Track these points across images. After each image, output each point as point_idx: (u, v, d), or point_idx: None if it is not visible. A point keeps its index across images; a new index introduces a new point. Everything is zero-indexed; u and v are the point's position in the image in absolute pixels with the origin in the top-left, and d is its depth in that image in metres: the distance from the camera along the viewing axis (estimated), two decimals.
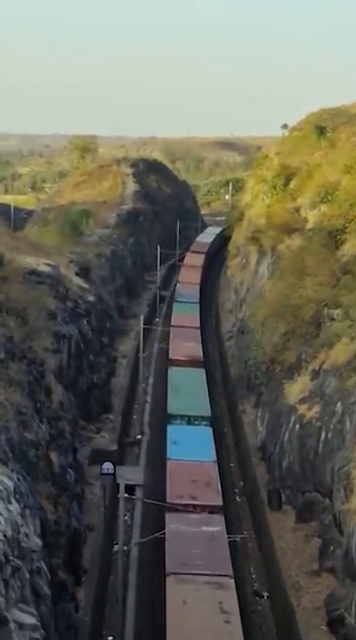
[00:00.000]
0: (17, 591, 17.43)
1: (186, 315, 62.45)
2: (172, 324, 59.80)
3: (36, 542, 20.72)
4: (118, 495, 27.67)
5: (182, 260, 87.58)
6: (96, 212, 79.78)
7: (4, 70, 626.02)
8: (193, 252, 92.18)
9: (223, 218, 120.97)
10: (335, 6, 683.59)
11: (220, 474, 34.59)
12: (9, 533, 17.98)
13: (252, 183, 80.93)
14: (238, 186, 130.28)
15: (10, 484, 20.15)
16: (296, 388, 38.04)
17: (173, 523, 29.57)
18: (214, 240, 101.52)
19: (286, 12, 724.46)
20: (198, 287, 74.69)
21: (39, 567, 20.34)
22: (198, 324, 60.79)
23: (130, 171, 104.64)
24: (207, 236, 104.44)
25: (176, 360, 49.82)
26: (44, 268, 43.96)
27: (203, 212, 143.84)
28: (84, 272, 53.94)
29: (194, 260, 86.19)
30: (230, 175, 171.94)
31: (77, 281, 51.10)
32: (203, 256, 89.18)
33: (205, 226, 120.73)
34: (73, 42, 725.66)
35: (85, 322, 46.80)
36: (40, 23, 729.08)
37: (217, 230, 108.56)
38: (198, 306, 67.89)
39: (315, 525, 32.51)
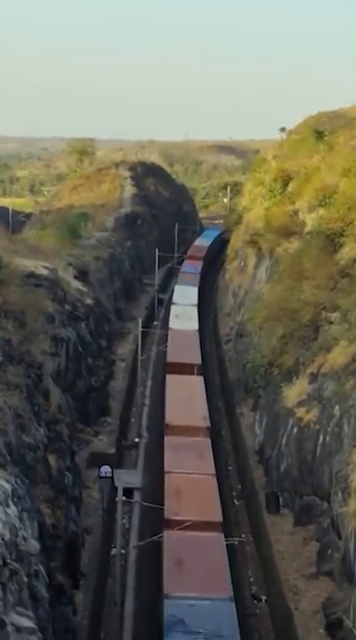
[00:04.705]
0: (15, 594, 17.41)
1: None
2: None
3: (34, 545, 20.70)
4: (116, 498, 27.67)
5: (179, 264, 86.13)
6: (94, 215, 79.66)
7: (2, 72, 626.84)
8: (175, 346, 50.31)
9: (217, 221, 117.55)
10: (333, 10, 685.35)
11: (217, 476, 34.53)
12: (7, 537, 17.98)
13: (250, 186, 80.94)
14: (237, 189, 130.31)
15: (8, 487, 20.15)
16: (294, 392, 38.05)
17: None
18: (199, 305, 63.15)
19: (285, 15, 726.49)
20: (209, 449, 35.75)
21: (37, 570, 20.34)
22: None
23: (128, 174, 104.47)
24: (184, 293, 65.60)
25: None
26: (42, 271, 43.93)
27: (201, 215, 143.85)
28: (82, 275, 53.93)
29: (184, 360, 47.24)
30: (229, 178, 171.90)
31: (76, 284, 51.10)
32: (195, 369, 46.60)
33: (202, 227, 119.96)
34: (72, 44, 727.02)
35: (84, 325, 46.78)
36: (39, 25, 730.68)
37: (195, 290, 67.22)
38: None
39: (313, 529, 32.51)
